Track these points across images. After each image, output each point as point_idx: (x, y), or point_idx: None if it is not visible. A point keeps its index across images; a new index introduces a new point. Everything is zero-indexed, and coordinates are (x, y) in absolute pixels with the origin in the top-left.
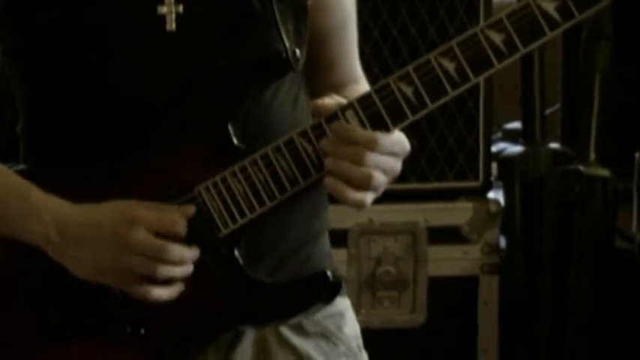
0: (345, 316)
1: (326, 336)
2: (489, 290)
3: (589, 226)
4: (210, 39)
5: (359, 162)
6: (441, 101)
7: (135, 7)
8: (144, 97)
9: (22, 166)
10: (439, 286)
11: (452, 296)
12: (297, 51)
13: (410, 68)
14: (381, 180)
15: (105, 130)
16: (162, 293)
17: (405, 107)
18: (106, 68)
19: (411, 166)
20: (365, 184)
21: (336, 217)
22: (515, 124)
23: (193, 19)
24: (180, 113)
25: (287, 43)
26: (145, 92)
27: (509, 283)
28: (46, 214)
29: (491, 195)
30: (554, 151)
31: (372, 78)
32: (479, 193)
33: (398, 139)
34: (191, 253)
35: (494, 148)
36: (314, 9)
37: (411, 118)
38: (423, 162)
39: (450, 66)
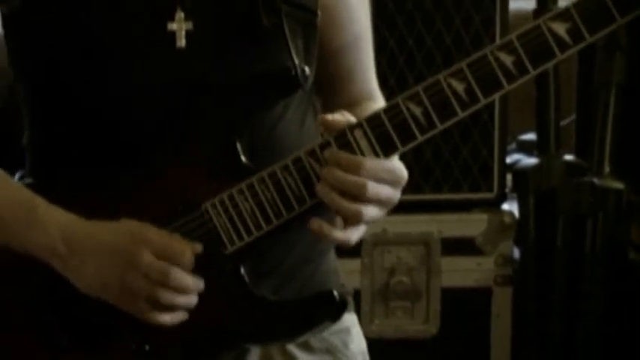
0: (351, 332)
1: (332, 352)
2: (502, 302)
3: (602, 238)
4: (219, 55)
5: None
6: (450, 122)
7: (145, 23)
8: (152, 112)
9: (28, 180)
10: (452, 297)
11: (465, 307)
12: (307, 69)
13: (419, 88)
14: (373, 214)
15: (112, 144)
16: (164, 318)
17: (413, 127)
18: (115, 83)
19: (426, 177)
20: (357, 220)
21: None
22: (530, 136)
23: (203, 36)
24: (187, 128)
25: (296, 61)
26: (154, 108)
27: (523, 294)
28: (53, 226)
29: (505, 206)
30: (568, 163)
31: (387, 89)
32: (493, 205)
33: (394, 167)
34: (194, 283)
35: (508, 160)
36: (326, 25)
37: (420, 138)
38: (438, 173)
39: (460, 87)
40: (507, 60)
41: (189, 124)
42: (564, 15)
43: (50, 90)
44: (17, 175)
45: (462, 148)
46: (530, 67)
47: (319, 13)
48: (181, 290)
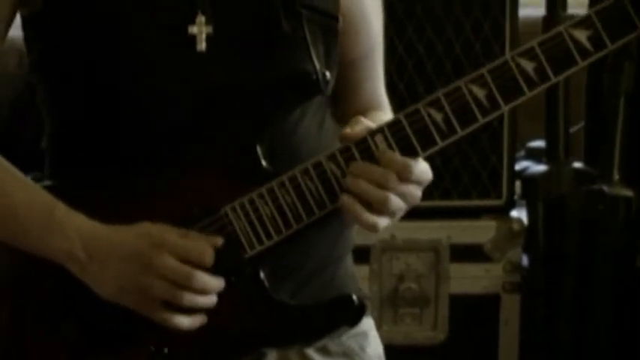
0: (368, 335)
1: (349, 355)
2: (511, 309)
3: (611, 245)
4: (239, 59)
5: (382, 185)
6: (471, 128)
7: (166, 26)
8: (172, 115)
9: (47, 182)
10: (461, 303)
11: (473, 314)
12: (327, 73)
13: (440, 94)
14: (399, 205)
15: (131, 146)
16: (183, 321)
17: (434, 133)
18: (135, 85)
19: (435, 183)
20: (382, 208)
21: (359, 234)
22: (539, 143)
23: (223, 40)
24: (207, 131)
25: (317, 65)
26: (173, 111)
27: (531, 301)
28: (72, 230)
29: (514, 213)
30: (577, 170)
31: (396, 95)
32: (502, 212)
33: (424, 168)
34: (216, 284)
35: (517, 167)
36: (343, 33)
37: (440, 144)
38: (447, 180)
39: (481, 93)
40: (529, 66)
41: (209, 127)
42: (586, 22)
43: (70, 91)
44: (29, 177)
45: (472, 154)
46: (551, 74)
47: (340, 18)
48: (203, 292)
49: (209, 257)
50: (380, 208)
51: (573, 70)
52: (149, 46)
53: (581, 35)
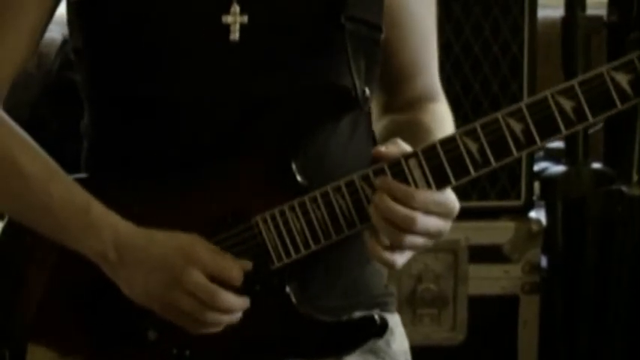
0: (394, 332)
1: (375, 352)
2: (529, 310)
3: (630, 246)
4: (274, 55)
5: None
6: (505, 161)
7: (200, 15)
8: (204, 107)
9: (83, 175)
10: (479, 304)
11: (492, 315)
12: (367, 90)
13: (477, 125)
14: (418, 243)
15: (165, 142)
16: (205, 331)
17: (468, 163)
18: (168, 75)
19: None
20: (401, 246)
21: None
22: (558, 144)
23: (258, 31)
24: (242, 137)
25: (357, 82)
26: (206, 103)
27: (550, 302)
28: (106, 232)
29: (533, 214)
30: (596, 171)
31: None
32: (521, 213)
33: (447, 199)
34: (241, 304)
35: (536, 168)
36: (392, 28)
37: (473, 174)
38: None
39: (517, 127)
40: (567, 105)
41: (245, 131)
42: (628, 66)
43: (108, 80)
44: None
45: None
46: (589, 115)
47: (384, 29)
48: (227, 311)
49: (237, 279)
50: (397, 246)
51: (611, 112)
52: (183, 34)
53: (623, 79)
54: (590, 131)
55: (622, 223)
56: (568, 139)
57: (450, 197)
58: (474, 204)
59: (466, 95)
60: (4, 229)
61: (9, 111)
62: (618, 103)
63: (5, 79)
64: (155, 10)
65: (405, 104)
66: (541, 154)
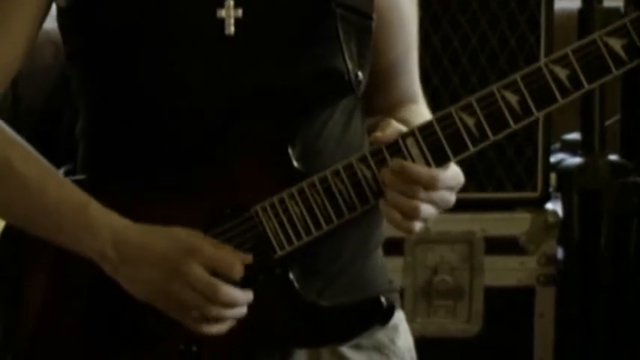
0: (398, 328)
1: (379, 349)
2: (545, 301)
3: None
4: (269, 47)
5: (413, 197)
6: (503, 134)
7: (194, 9)
8: (200, 102)
9: (80, 176)
10: (495, 296)
11: (508, 307)
12: (360, 74)
13: (472, 99)
14: (429, 212)
15: (161, 137)
16: (211, 329)
17: (466, 138)
18: (164, 70)
19: (469, 175)
20: (414, 216)
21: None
22: (575, 135)
23: (252, 25)
24: (237, 129)
25: (350, 66)
26: (202, 98)
27: (566, 294)
28: (105, 230)
29: (549, 206)
30: (612, 162)
31: (431, 89)
32: (537, 204)
33: (454, 175)
34: (243, 297)
35: (552, 159)
36: (379, 31)
37: (471, 149)
38: (481, 172)
39: (513, 99)
40: (562, 74)
41: (240, 123)
42: (621, 31)
43: (104, 81)
44: (62, 170)
45: (507, 147)
46: (584, 82)
47: (374, 17)
48: (230, 305)
49: (238, 271)
50: (411, 216)
51: (607, 78)
52: (177, 29)
53: (616, 43)
54: (607, 123)
55: (638, 214)
56: (584, 131)
57: (453, 173)
58: (490, 195)
59: (483, 88)
60: (2, 234)
61: (23, 100)
62: (613, 68)
63: (6, 69)
64: (150, 7)
65: (387, 106)
66: (557, 145)
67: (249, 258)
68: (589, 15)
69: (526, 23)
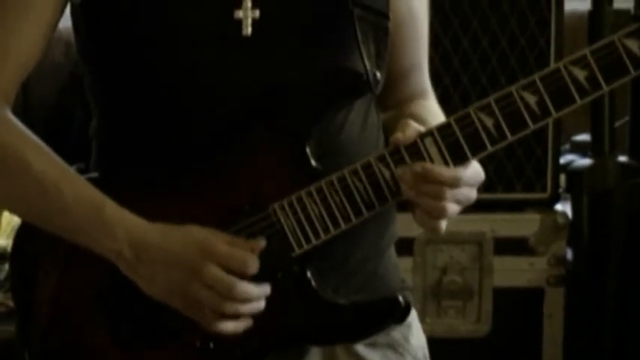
0: (412, 326)
1: (393, 347)
2: (555, 302)
3: None
4: (286, 47)
5: (439, 198)
6: (521, 134)
7: (212, 10)
8: (217, 102)
9: (94, 175)
10: (504, 296)
11: (517, 307)
12: (378, 73)
13: (491, 99)
14: (454, 210)
15: (178, 136)
16: (227, 327)
17: (484, 138)
18: (181, 70)
19: None
20: (440, 216)
21: (403, 226)
22: (584, 137)
23: (270, 25)
24: (256, 128)
25: (368, 65)
26: (219, 96)
27: (575, 295)
28: (121, 230)
29: (558, 207)
30: (622, 164)
31: (441, 89)
32: (546, 205)
33: (475, 172)
34: (259, 292)
35: (562, 160)
36: (393, 44)
37: (490, 149)
38: (491, 172)
39: (532, 99)
40: (580, 75)
41: (256, 120)
42: (639, 32)
43: (117, 79)
44: (74, 168)
45: (516, 147)
46: (603, 83)
47: (391, 16)
48: (247, 301)
49: (252, 267)
50: (438, 216)
51: (626, 79)
52: (195, 30)
53: (634, 45)
54: (617, 124)
55: None
56: (594, 132)
57: (474, 170)
58: (499, 196)
59: (493, 89)
60: (17, 231)
61: (34, 98)
62: (631, 69)
63: (19, 69)
64: (167, 8)
65: (398, 102)
66: (567, 146)
67: (262, 243)
68: (599, 16)
69: (536, 24)
